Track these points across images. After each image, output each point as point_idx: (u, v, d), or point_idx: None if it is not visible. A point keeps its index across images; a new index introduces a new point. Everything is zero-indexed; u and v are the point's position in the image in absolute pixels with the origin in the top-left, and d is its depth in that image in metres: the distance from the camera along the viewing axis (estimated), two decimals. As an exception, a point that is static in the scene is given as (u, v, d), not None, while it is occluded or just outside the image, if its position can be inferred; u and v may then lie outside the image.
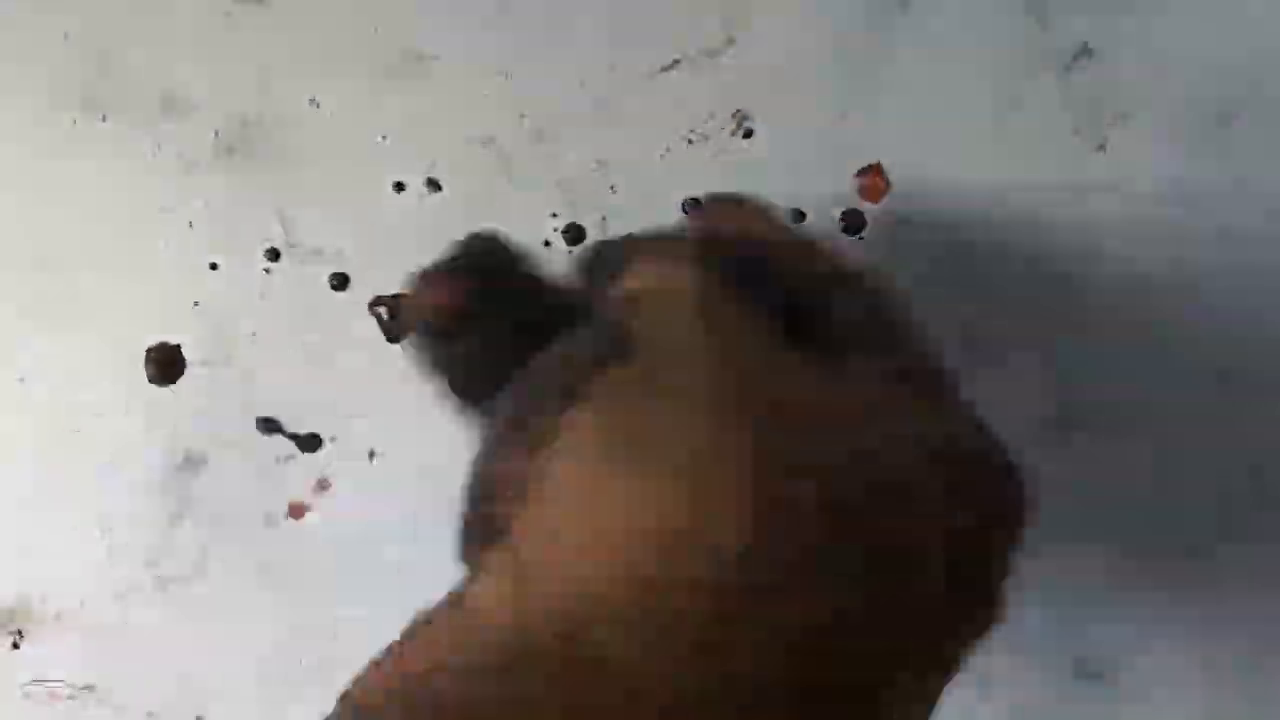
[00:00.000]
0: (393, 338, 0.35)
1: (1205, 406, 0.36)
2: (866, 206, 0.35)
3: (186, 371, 0.36)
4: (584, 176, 0.36)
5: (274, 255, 0.36)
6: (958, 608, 0.20)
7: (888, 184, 0.36)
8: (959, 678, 0.21)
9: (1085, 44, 0.35)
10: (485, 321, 0.26)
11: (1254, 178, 0.35)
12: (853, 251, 0.35)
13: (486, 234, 0.28)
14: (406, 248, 0.36)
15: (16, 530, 0.37)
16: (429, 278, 0.26)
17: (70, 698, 0.38)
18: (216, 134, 0.35)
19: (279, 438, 0.37)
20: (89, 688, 0.38)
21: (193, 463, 0.37)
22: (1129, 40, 0.35)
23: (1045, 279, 0.36)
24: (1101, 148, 0.35)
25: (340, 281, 0.36)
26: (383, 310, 0.35)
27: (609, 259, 0.25)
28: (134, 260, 0.36)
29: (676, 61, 0.35)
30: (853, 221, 0.35)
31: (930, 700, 0.20)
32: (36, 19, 0.35)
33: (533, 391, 0.21)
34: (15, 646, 0.38)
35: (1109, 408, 0.36)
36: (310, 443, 0.37)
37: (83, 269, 0.36)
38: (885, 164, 0.35)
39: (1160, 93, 0.35)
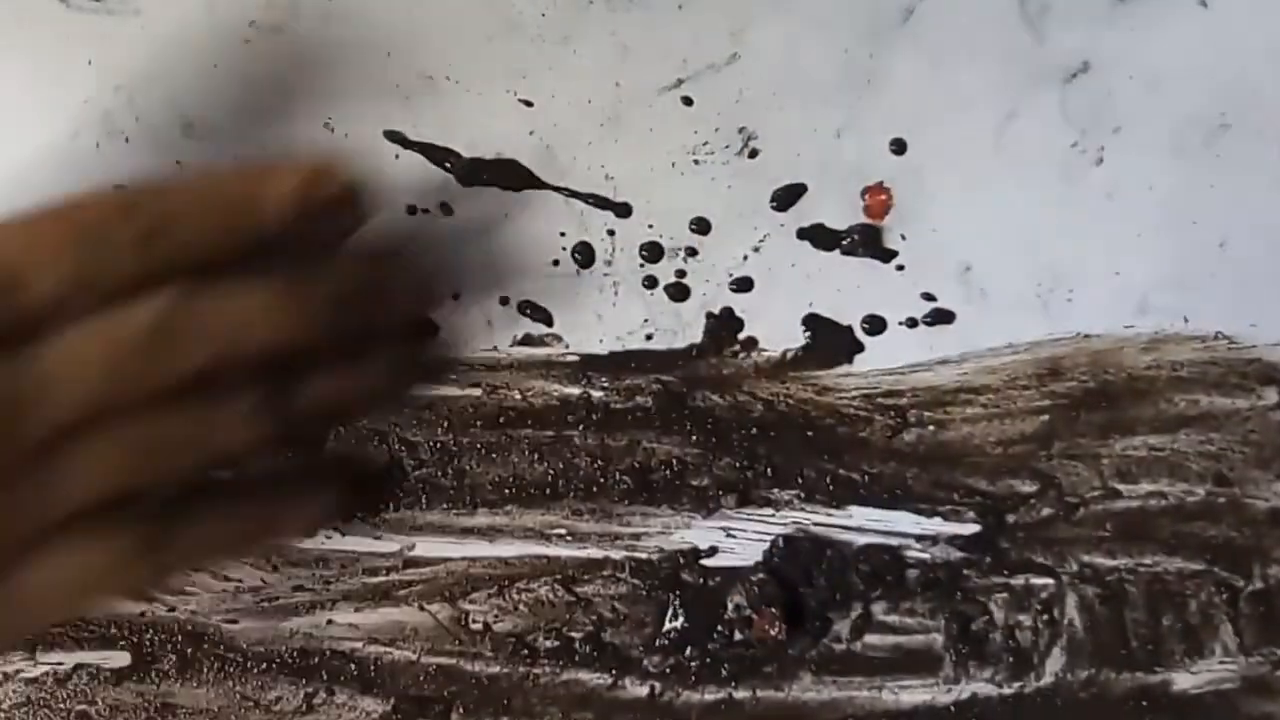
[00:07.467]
0: None
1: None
2: (872, 223, 0.36)
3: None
4: (592, 194, 0.36)
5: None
6: None
7: (891, 200, 0.36)
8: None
9: (1083, 59, 0.35)
10: None
11: (1249, 189, 0.36)
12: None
13: None
14: (421, 269, 0.36)
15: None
16: None
17: None
18: (235, 157, 0.36)
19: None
20: None
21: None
22: (1126, 55, 0.35)
23: (1046, 292, 0.36)
24: (1100, 161, 0.36)
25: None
26: None
27: None
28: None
29: (680, 81, 0.36)
30: (867, 237, 0.36)
31: None
32: (62, 47, 0.35)
33: None
34: None
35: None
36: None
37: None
38: (888, 180, 0.36)
39: (1157, 106, 0.36)
